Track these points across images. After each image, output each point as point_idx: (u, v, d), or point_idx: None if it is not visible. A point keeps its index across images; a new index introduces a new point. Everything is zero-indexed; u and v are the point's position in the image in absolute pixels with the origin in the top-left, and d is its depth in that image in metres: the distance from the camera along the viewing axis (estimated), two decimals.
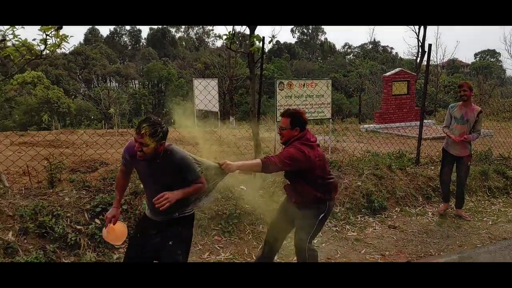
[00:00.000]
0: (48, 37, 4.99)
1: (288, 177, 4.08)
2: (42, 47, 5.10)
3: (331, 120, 10.40)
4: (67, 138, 12.16)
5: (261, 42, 6.47)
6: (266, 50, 7.44)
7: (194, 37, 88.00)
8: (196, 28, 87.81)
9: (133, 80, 60.18)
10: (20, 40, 5.17)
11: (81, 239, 4.70)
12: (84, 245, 4.70)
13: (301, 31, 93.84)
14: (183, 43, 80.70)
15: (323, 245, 5.51)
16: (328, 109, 9.26)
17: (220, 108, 18.11)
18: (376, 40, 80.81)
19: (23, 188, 5.32)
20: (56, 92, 39.57)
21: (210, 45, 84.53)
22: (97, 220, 4.90)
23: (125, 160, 3.33)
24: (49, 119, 29.07)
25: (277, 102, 8.41)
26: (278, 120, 8.51)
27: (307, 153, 3.78)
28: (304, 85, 8.87)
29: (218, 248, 5.19)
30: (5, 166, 5.99)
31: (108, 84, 58.09)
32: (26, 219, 4.61)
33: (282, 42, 74.40)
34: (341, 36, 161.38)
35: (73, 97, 48.85)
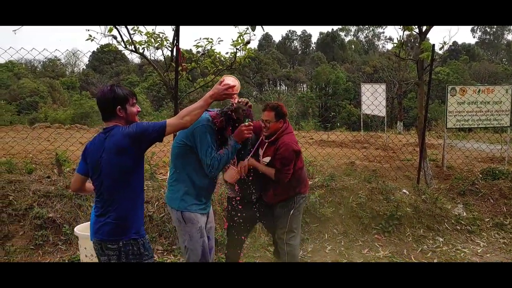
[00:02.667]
0: (237, 50, 5.90)
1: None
2: (232, 59, 6.03)
3: (510, 128, 9.67)
4: None
5: (431, 50, 6.49)
6: (440, 55, 7.36)
7: (363, 40, 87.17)
8: (366, 31, 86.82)
9: (301, 84, 62.26)
10: (216, 53, 6.19)
11: (256, 224, 5.46)
12: (258, 230, 5.46)
13: (483, 30, 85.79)
14: (352, 46, 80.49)
15: (488, 255, 5.37)
16: (507, 117, 8.67)
17: (387, 113, 17.98)
18: None
19: None
20: None
21: (380, 47, 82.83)
22: None
23: None
24: None
25: (447, 108, 8.23)
26: (447, 126, 8.33)
27: (297, 146, 3.98)
28: (479, 91, 8.47)
29: (378, 246, 5.48)
30: None
31: (278, 87, 61.07)
32: (214, 203, 5.53)
33: (460, 43, 69.08)
34: None
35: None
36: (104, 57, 58.59)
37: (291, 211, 4.08)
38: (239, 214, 4.07)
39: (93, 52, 58.29)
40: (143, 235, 2.79)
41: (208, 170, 3.28)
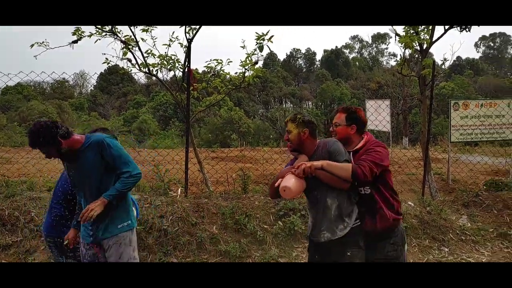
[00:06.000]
0: (246, 70, 6.18)
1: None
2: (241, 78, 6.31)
3: None
4: (249, 154, 13.79)
5: (432, 66, 6.75)
6: (445, 70, 7.62)
7: (367, 57, 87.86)
8: (370, 48, 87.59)
9: (307, 101, 62.72)
10: (225, 73, 6.48)
11: (267, 237, 5.66)
12: (269, 242, 5.64)
13: (486, 45, 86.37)
14: (357, 63, 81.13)
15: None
16: (509, 130, 8.85)
17: (392, 129, 18.20)
18: None
19: (223, 192, 6.56)
20: (238, 113, 43.52)
21: (384, 63, 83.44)
22: (280, 222, 5.81)
23: None
24: (234, 137, 32.44)
25: (451, 122, 8.45)
26: (451, 140, 8.54)
27: (386, 151, 3.14)
28: (482, 105, 8.69)
29: None
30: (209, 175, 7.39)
31: (284, 105, 61.49)
32: (226, 217, 5.75)
33: (463, 58, 69.53)
34: None
35: (252, 117, 52.94)
36: (112, 78, 59.48)
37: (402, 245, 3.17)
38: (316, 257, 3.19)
39: (101, 73, 59.27)
40: None
41: None
